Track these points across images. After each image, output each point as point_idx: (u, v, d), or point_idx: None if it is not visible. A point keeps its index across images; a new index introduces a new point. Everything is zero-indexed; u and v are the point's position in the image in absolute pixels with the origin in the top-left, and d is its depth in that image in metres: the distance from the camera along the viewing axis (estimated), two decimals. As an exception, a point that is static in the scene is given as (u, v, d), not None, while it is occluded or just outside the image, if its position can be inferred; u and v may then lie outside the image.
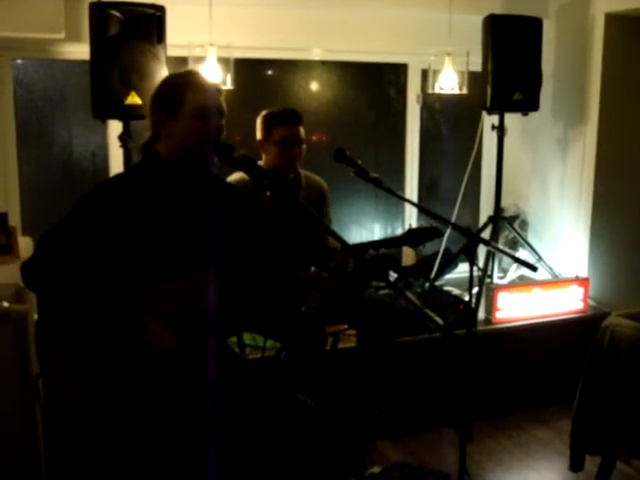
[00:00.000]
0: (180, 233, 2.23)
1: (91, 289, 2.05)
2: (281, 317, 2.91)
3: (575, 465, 3.20)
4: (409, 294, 1.97)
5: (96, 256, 2.09)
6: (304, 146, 3.41)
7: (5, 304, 2.32)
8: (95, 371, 2.06)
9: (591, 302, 4.42)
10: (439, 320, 1.91)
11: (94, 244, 2.10)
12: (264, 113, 3.42)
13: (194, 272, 2.18)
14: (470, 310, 3.36)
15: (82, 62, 3.59)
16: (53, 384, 2.06)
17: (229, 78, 3.74)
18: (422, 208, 3.91)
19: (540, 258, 4.46)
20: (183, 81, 2.29)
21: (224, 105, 2.33)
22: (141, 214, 2.18)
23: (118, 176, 2.43)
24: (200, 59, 3.69)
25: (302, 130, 3.40)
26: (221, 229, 2.31)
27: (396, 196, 3.06)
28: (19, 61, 3.92)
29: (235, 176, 3.19)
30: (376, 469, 3.14)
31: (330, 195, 3.66)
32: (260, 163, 3.33)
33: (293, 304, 2.48)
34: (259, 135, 3.42)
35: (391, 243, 2.85)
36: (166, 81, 2.37)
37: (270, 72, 4.58)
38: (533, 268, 3.03)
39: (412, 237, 2.85)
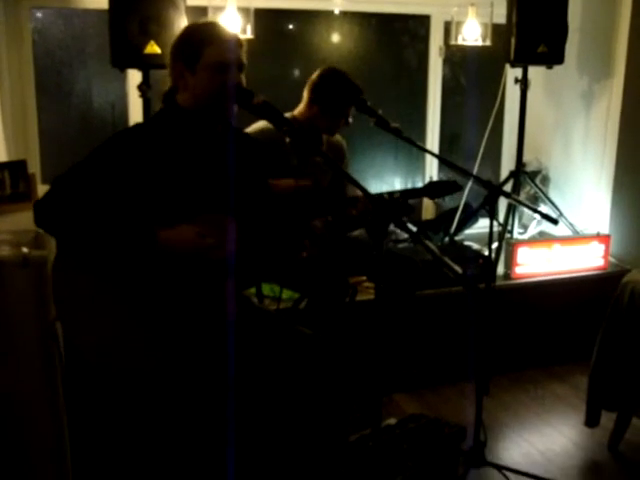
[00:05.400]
0: (196, 180, 2.23)
1: (103, 226, 2.06)
2: (284, 264, 2.91)
3: (591, 420, 3.21)
4: (428, 242, 1.95)
5: (109, 198, 2.09)
6: None
7: (25, 250, 2.33)
8: (112, 316, 2.08)
9: (612, 259, 4.39)
10: (458, 269, 1.89)
11: (108, 187, 2.11)
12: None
13: (211, 214, 2.18)
14: (489, 265, 3.33)
15: (101, 11, 3.55)
16: (70, 329, 2.08)
17: (249, 28, 3.69)
18: (443, 159, 3.89)
19: (561, 214, 4.42)
20: (202, 34, 2.27)
21: (244, 58, 2.30)
22: (157, 161, 2.18)
23: (137, 125, 2.45)
24: (220, 8, 3.64)
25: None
26: (237, 178, 2.30)
27: (416, 146, 3.04)
28: (38, 14, 3.89)
29: (259, 124, 3.16)
30: (392, 420, 3.15)
31: (348, 154, 3.62)
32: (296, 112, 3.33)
33: (290, 251, 2.49)
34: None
35: (411, 194, 2.84)
36: (185, 33, 2.34)
37: (290, 23, 4.51)
38: (554, 221, 3.01)
39: (432, 189, 2.85)
